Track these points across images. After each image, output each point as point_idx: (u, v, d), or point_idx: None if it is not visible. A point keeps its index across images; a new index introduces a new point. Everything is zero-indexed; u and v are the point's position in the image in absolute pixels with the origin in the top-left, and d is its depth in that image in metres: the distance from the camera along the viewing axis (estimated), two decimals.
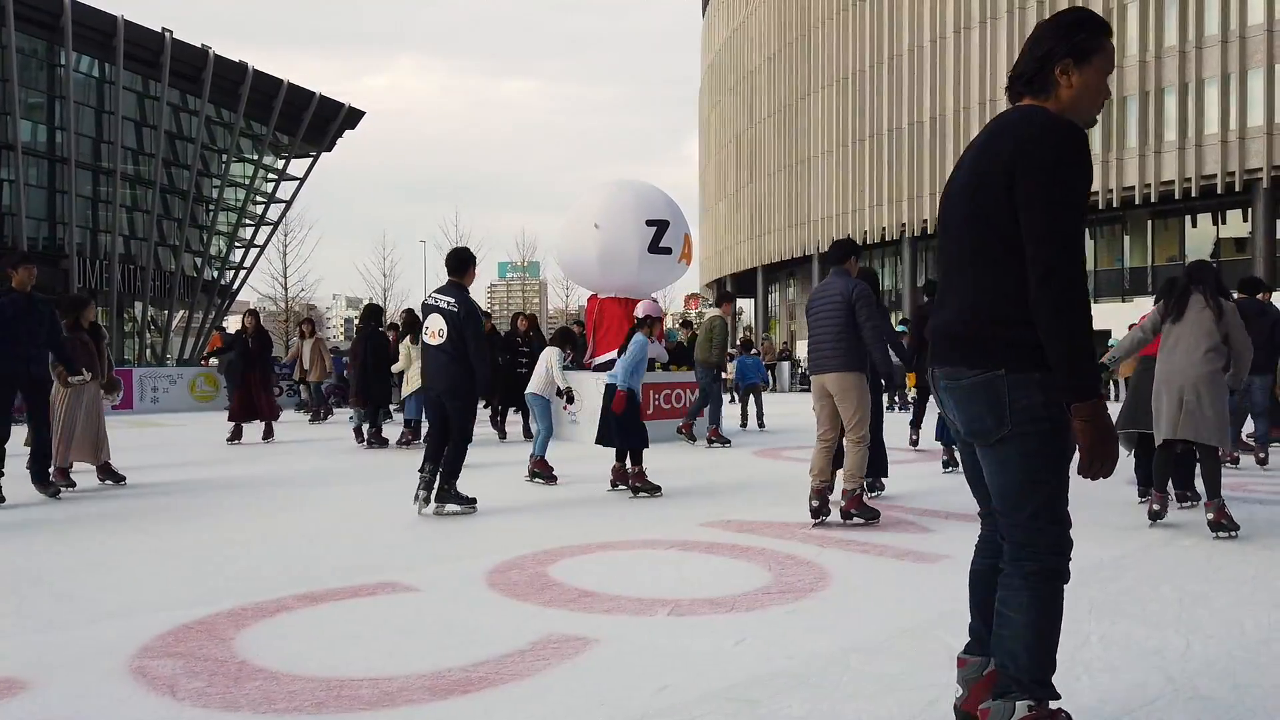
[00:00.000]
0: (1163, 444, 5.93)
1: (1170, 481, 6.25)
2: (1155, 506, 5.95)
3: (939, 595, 4.29)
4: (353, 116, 51.08)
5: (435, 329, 6.64)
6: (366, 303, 15.74)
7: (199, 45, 43.90)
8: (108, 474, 8.25)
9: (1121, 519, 6.26)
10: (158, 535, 5.94)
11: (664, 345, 13.79)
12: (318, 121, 49.25)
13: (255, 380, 12.34)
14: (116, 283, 41.35)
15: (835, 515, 6.17)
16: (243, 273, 51.49)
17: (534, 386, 8.79)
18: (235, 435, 12.34)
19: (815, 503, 6.12)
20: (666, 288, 15.85)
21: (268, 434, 12.69)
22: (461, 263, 6.88)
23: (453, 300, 6.65)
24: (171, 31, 42.32)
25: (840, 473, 6.38)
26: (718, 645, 3.58)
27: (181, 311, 46.53)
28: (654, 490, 7.50)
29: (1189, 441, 5.81)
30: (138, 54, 41.57)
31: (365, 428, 11.85)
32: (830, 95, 48.70)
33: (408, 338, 11.53)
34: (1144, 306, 31.94)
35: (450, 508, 6.63)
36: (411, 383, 11.43)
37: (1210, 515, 5.61)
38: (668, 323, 22.51)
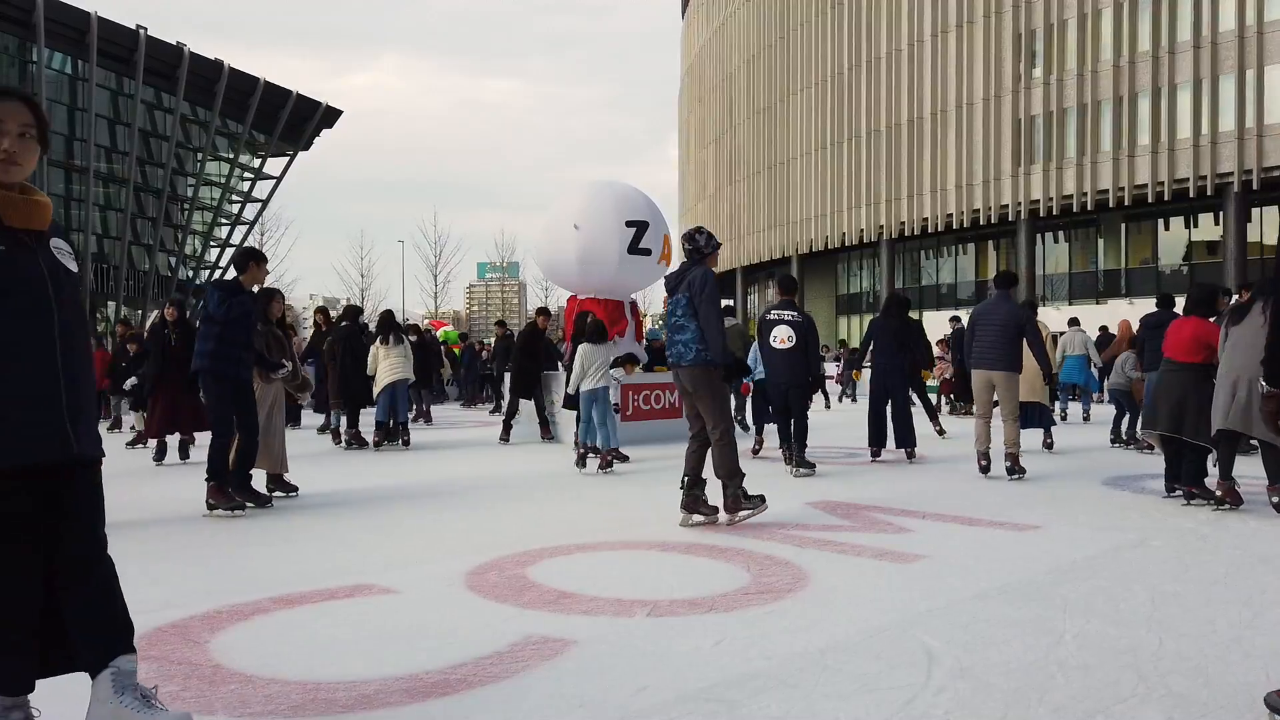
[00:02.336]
0: (1224, 437, 6.45)
1: (1181, 476, 6.99)
2: (1218, 493, 6.50)
3: (916, 595, 4.32)
4: (330, 115, 50.80)
5: (784, 336, 8.89)
6: (346, 303, 15.65)
7: (174, 43, 43.51)
8: (279, 484, 7.58)
9: (1094, 519, 6.32)
10: (130, 537, 5.87)
11: (644, 345, 13.80)
12: (295, 120, 48.95)
13: (178, 384, 9.64)
14: (89, 282, 40.89)
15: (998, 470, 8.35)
16: (218, 272, 51.08)
17: (593, 383, 9.29)
18: (161, 453, 10.15)
19: (984, 461, 8.44)
20: (646, 289, 15.87)
21: (186, 452, 10.44)
22: (793, 284, 9.44)
23: (796, 314, 8.96)
24: (146, 29, 41.92)
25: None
26: (696, 646, 3.58)
27: (156, 311, 46.10)
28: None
29: (1233, 434, 6.39)
30: (111, 51, 41.16)
31: (343, 428, 11.78)
32: (809, 97, 48.90)
33: (379, 340, 11.46)
34: (1117, 308, 32.26)
35: (803, 470, 8.67)
36: (377, 384, 11.36)
37: (1275, 499, 6.23)
38: (648, 324, 22.48)
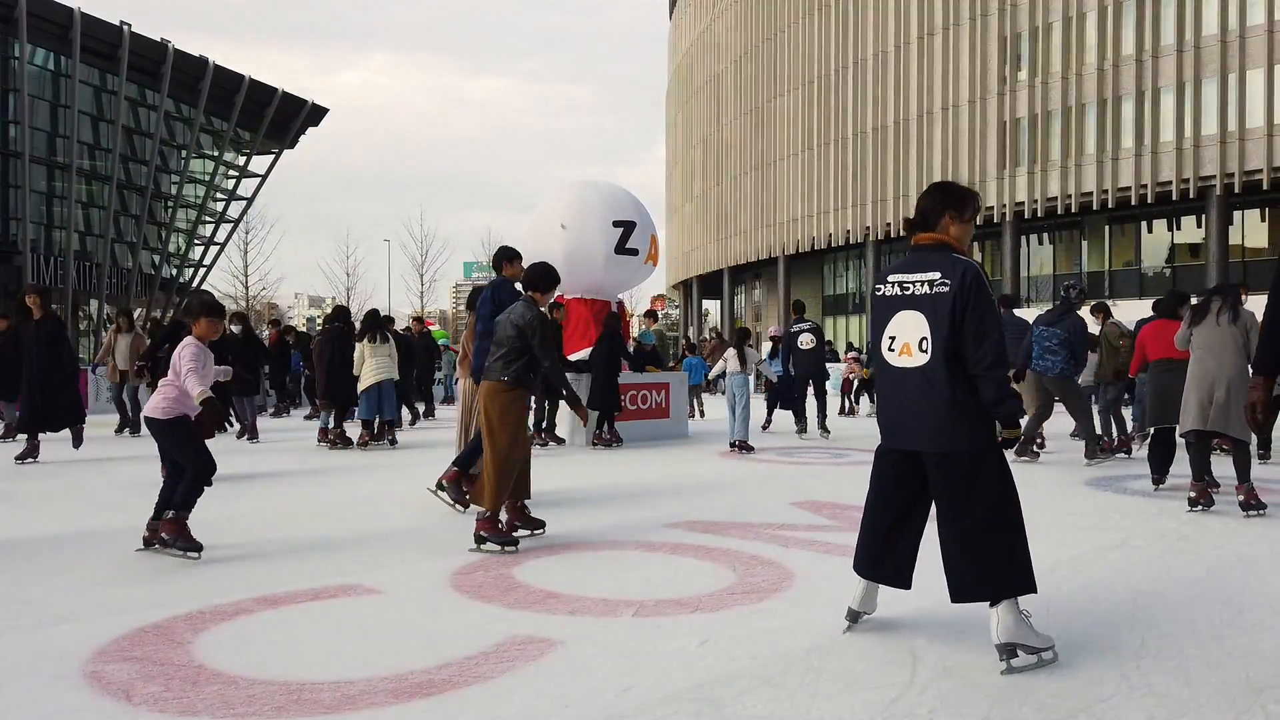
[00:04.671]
0: (1196, 439, 6.61)
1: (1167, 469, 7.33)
2: (1192, 494, 6.59)
3: (901, 595, 4.33)
4: (316, 113, 50.56)
5: (807, 340, 12.74)
6: (334, 303, 15.61)
7: (158, 39, 43.22)
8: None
9: (1078, 520, 6.37)
10: (112, 537, 5.82)
11: (632, 346, 13.80)
12: (280, 118, 48.69)
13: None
14: (72, 280, 40.58)
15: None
16: (202, 270, 50.78)
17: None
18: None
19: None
20: (633, 289, 15.92)
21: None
22: (803, 305, 13.62)
23: (813, 324, 12.96)
24: (130, 25, 41.61)
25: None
26: (682, 646, 3.59)
27: (139, 310, 45.77)
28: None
29: (1215, 434, 6.56)
30: (95, 47, 40.82)
31: (330, 428, 11.73)
32: (796, 99, 49.00)
33: (365, 339, 11.43)
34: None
35: (826, 433, 12.77)
36: (362, 382, 11.31)
37: (1241, 497, 6.40)
38: (635, 325, 22.47)
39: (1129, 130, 35.67)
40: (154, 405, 5.21)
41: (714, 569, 4.87)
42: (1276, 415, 3.22)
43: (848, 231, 45.83)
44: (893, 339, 3.56)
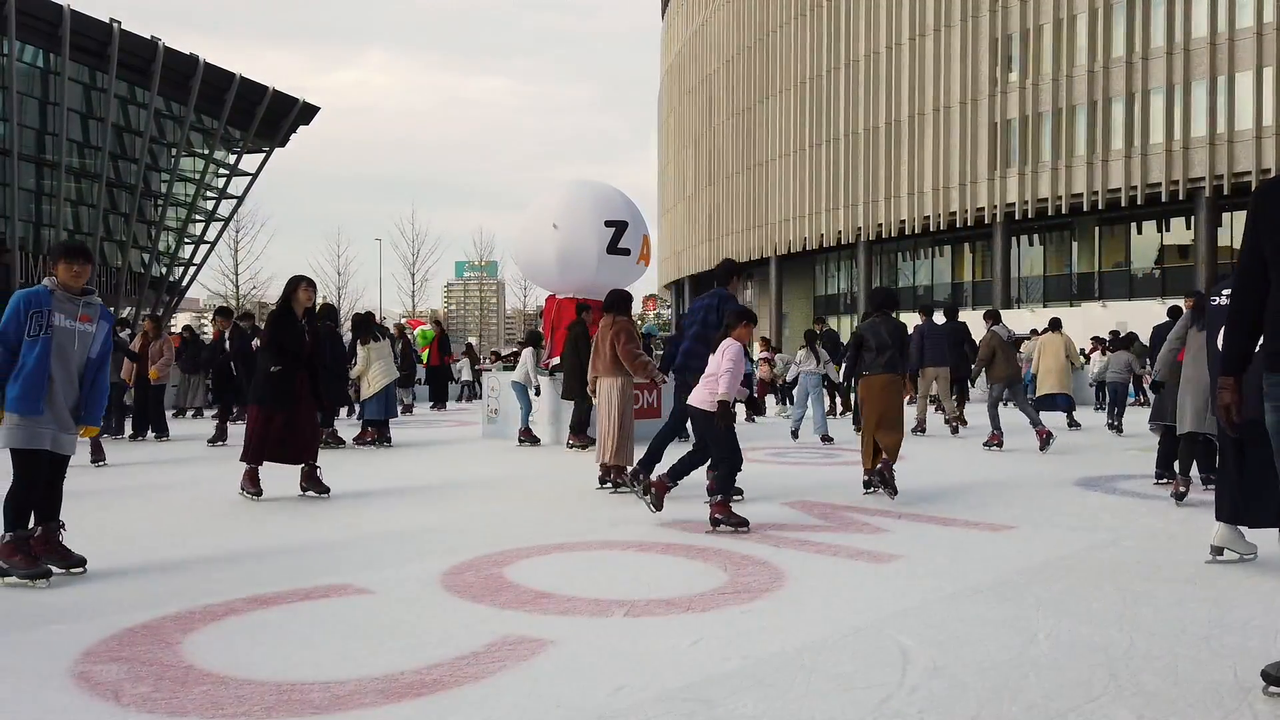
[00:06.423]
0: (1186, 437, 6.66)
1: (1195, 468, 7.23)
2: (1181, 489, 6.78)
3: (892, 595, 4.35)
4: (307, 112, 50.45)
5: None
6: (322, 302, 15.54)
7: (148, 37, 43.05)
8: (619, 475, 7.71)
9: (1068, 520, 6.39)
10: (100, 537, 5.80)
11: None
12: (271, 116, 48.56)
13: (306, 395, 7.48)
14: None
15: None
16: (192, 269, 50.60)
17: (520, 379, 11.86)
18: (255, 484, 7.38)
19: (922, 428, 12.68)
20: (625, 289, 15.96)
21: (320, 482, 7.52)
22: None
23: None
24: (120, 22, 41.44)
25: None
26: (674, 646, 3.59)
27: (128, 309, 45.58)
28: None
29: (1209, 435, 6.62)
30: (84, 44, 40.67)
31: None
32: (788, 99, 49.07)
33: (367, 341, 11.42)
34: (1090, 311, 32.62)
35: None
36: (373, 385, 11.29)
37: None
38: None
39: (1119, 132, 35.84)
40: (701, 399, 6.12)
41: (706, 569, 4.87)
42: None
43: (839, 232, 45.92)
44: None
